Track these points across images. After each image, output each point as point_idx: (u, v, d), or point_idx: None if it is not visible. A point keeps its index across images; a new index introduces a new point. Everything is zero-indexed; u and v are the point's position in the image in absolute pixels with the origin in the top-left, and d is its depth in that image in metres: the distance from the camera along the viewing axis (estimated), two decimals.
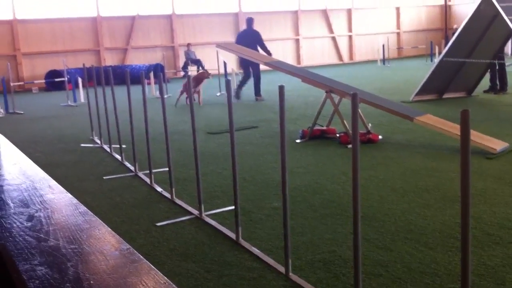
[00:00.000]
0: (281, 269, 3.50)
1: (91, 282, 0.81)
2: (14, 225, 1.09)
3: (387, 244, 3.87)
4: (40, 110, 13.32)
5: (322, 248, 3.86)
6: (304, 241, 4.00)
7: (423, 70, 15.53)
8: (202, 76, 12.57)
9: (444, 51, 11.42)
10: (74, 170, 6.77)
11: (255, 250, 3.84)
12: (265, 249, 3.88)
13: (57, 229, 1.05)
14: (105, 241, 1.00)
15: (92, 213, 1.14)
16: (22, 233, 1.04)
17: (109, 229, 1.05)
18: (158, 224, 4.54)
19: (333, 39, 26.28)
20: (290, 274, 3.43)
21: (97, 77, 8.35)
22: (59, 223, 1.09)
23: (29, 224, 1.09)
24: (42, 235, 1.02)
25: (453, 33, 13.80)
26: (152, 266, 0.88)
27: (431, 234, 4.02)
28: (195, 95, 12.10)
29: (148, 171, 5.90)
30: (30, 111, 13.09)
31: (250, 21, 13.34)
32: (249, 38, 12.68)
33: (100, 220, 1.10)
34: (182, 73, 21.55)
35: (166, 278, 0.83)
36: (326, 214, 4.58)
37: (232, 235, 4.13)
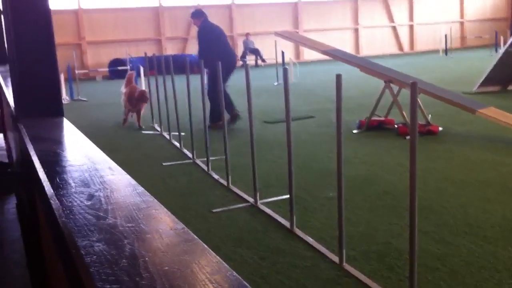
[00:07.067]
0: (335, 258, 3.49)
1: (146, 259, 0.83)
2: (75, 203, 1.13)
3: (445, 237, 3.80)
4: (103, 97, 13.68)
5: (377, 240, 3.82)
6: (359, 232, 3.97)
7: (487, 60, 15.02)
8: (143, 98, 9.14)
9: (509, 41, 11.01)
10: (134, 155, 6.93)
11: (309, 239, 3.84)
12: (319, 238, 3.88)
13: (116, 208, 1.09)
14: (161, 221, 1.03)
15: (149, 194, 1.17)
16: (82, 211, 1.08)
17: (165, 209, 1.08)
18: (214, 210, 4.61)
19: (394, 28, 25.78)
20: (344, 264, 3.42)
21: (158, 66, 8.49)
22: (118, 202, 1.13)
23: (89, 203, 1.13)
24: (101, 214, 1.05)
25: None
26: (206, 246, 0.90)
27: (490, 229, 3.91)
28: (135, 115, 9.36)
29: (205, 159, 5.98)
30: (93, 98, 13.47)
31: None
32: None
33: (157, 201, 1.13)
34: (240, 63, 21.65)
35: (218, 257, 0.85)
36: (382, 206, 4.53)
37: (287, 224, 4.14)
